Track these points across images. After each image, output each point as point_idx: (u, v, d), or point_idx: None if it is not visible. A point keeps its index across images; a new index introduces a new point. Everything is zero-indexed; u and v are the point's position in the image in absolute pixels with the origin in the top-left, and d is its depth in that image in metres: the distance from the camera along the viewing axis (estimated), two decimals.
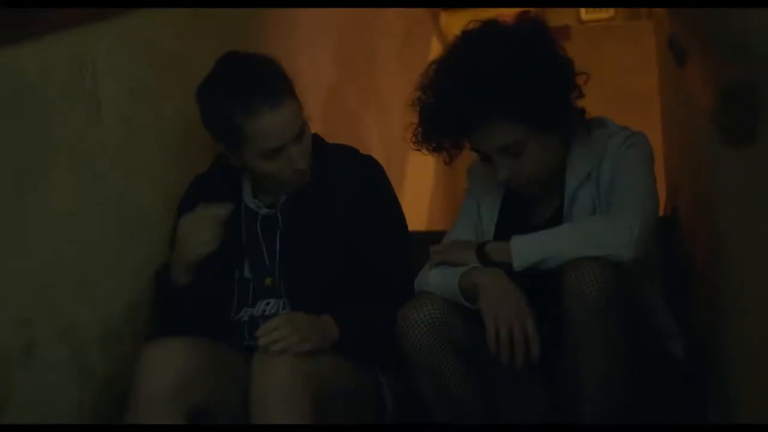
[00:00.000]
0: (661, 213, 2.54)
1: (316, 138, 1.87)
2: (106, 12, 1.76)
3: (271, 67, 1.77)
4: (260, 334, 1.59)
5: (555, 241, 1.53)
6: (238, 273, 1.85)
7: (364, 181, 1.85)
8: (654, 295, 1.69)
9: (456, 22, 5.70)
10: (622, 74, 5.08)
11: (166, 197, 1.95)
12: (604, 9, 7.81)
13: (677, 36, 1.62)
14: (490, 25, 1.65)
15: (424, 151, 1.70)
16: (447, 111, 1.60)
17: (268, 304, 1.82)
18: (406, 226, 1.92)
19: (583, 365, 1.48)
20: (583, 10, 7.75)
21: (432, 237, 1.89)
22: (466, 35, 1.65)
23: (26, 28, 1.55)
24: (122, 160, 1.84)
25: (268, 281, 1.83)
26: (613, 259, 1.49)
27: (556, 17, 7.60)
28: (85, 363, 1.70)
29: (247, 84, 1.73)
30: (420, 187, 4.07)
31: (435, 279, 1.64)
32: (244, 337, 1.81)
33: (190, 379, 1.61)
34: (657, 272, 1.71)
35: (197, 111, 1.84)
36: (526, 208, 1.74)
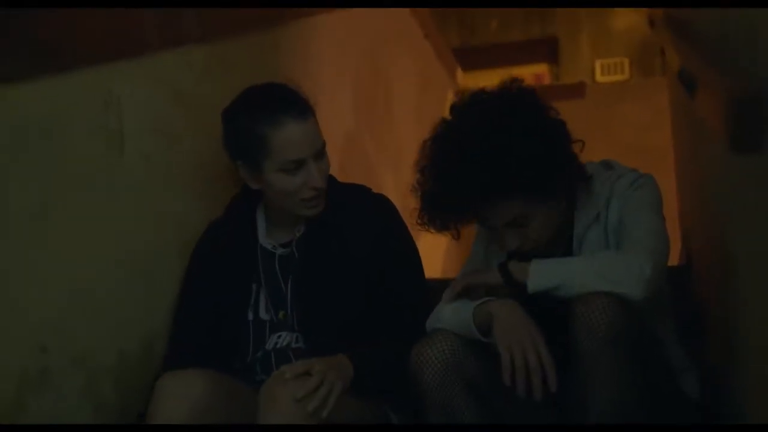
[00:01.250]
0: (675, 261, 2.55)
1: (330, 178, 1.89)
2: (133, 50, 1.82)
3: (293, 90, 1.84)
4: (299, 394, 1.54)
5: (570, 270, 1.55)
6: (251, 314, 1.86)
7: (377, 218, 1.87)
8: (666, 331, 1.69)
9: (473, 79, 5.79)
10: (635, 130, 5.13)
11: (182, 234, 1.98)
12: (619, 71, 7.92)
13: (687, 67, 1.65)
14: (477, 99, 1.64)
15: (431, 231, 1.70)
16: (445, 197, 1.61)
17: (279, 336, 1.84)
18: (420, 262, 1.93)
19: (593, 398, 1.48)
20: (598, 72, 7.86)
21: (445, 284, 1.89)
22: (456, 112, 1.65)
23: (56, 60, 1.60)
24: (142, 195, 1.88)
25: (280, 315, 1.85)
26: (624, 297, 1.49)
27: (572, 76, 7.71)
28: (99, 392, 1.72)
29: (273, 98, 1.81)
30: (435, 236, 4.09)
31: (447, 314, 1.65)
32: (257, 372, 1.82)
33: (203, 411, 1.62)
34: (669, 309, 1.71)
35: (216, 150, 1.88)
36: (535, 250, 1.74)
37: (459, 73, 4.91)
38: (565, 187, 1.63)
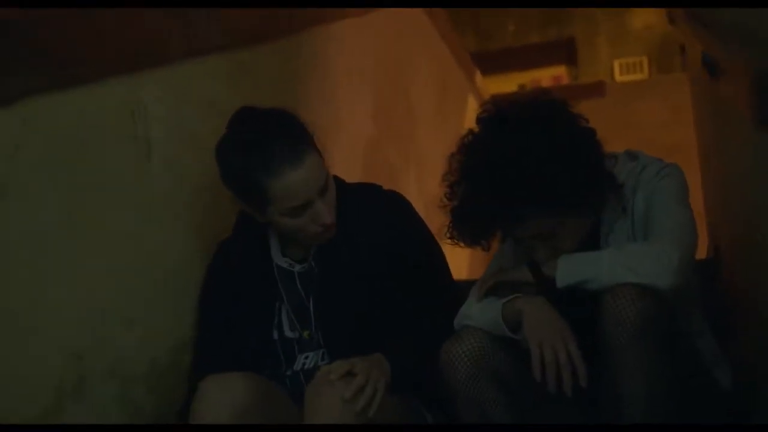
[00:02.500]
0: (702, 255, 2.54)
1: (338, 181, 1.83)
2: (159, 59, 1.84)
3: (288, 123, 1.74)
4: (347, 394, 1.54)
5: (599, 263, 1.54)
6: (277, 333, 1.84)
7: (392, 218, 1.83)
8: (696, 323, 1.68)
9: (492, 83, 5.79)
10: (657, 128, 5.11)
11: (208, 242, 1.97)
12: (638, 70, 7.89)
13: (709, 52, 1.65)
14: (506, 113, 1.61)
15: (461, 246, 1.68)
16: (474, 217, 1.61)
17: (306, 357, 1.82)
18: (442, 255, 1.90)
19: (623, 390, 1.47)
20: (617, 72, 7.84)
21: (473, 285, 1.87)
22: (484, 125, 1.62)
23: (84, 72, 1.63)
24: (169, 203, 1.89)
25: (305, 334, 1.82)
26: (653, 287, 1.49)
27: (591, 76, 7.70)
28: (133, 398, 1.74)
29: (266, 144, 1.69)
30: None
31: (476, 312, 1.65)
32: (287, 389, 1.80)
33: (245, 414, 1.62)
34: (698, 301, 1.70)
35: None
36: None
37: (478, 77, 4.91)
38: (597, 198, 1.62)
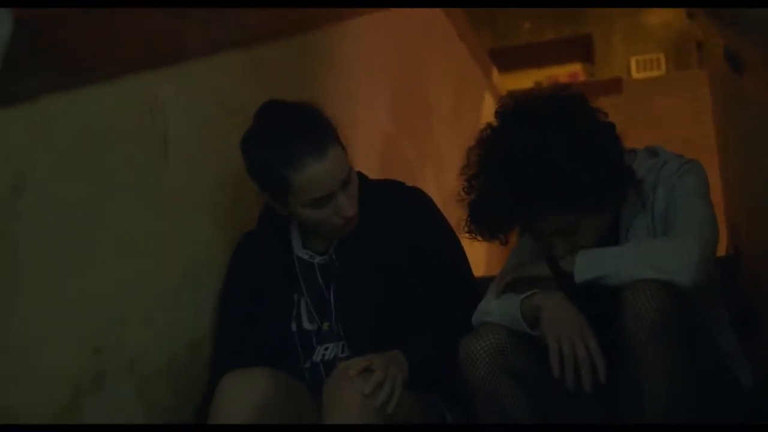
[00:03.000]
0: (722, 252, 2.52)
1: (361, 176, 1.85)
2: (176, 56, 1.84)
3: (312, 116, 1.76)
4: (366, 390, 1.55)
5: (618, 259, 1.54)
6: (295, 325, 1.85)
7: (414, 214, 1.84)
8: (717, 320, 1.67)
9: (508, 80, 5.78)
10: (675, 124, 5.08)
11: (227, 236, 1.99)
12: (655, 67, 7.85)
13: (731, 47, 1.63)
14: (526, 107, 1.60)
15: (479, 240, 1.67)
16: (492, 212, 1.60)
17: (327, 348, 1.83)
18: (463, 252, 1.91)
19: (643, 386, 1.46)
20: (633, 69, 7.80)
21: (490, 281, 1.87)
22: (503, 119, 1.61)
23: (102, 69, 1.63)
24: (186, 200, 1.90)
25: (325, 326, 1.84)
26: (673, 284, 1.48)
27: (607, 73, 7.66)
28: (151, 394, 1.74)
29: (290, 137, 1.72)
30: None
31: (494, 308, 1.65)
32: (306, 381, 1.81)
33: (266, 410, 1.63)
34: (719, 298, 1.69)
35: None
36: None
37: (495, 74, 4.90)
38: (617, 194, 1.61)
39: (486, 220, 1.62)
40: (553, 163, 1.50)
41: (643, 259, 1.51)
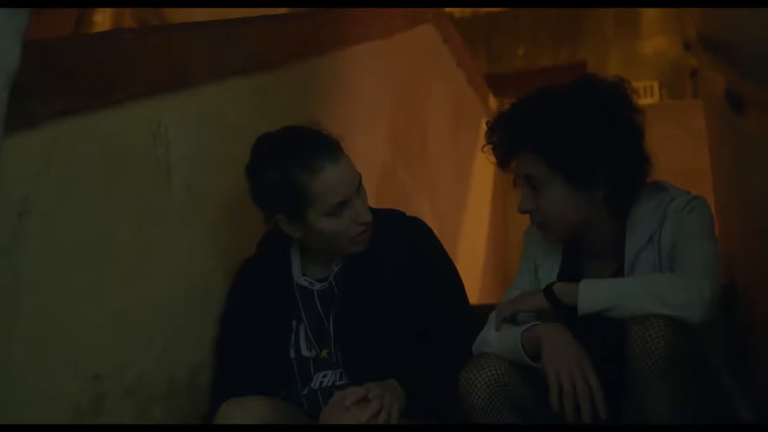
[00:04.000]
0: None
1: None
2: (180, 82, 1.86)
3: (317, 130, 1.81)
4: (362, 420, 1.56)
5: (625, 292, 1.54)
6: (293, 352, 1.85)
7: (414, 245, 1.85)
8: (718, 355, 1.67)
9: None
10: (669, 153, 5.10)
11: (226, 263, 1.99)
12: (649, 94, 7.91)
13: (732, 87, 1.66)
14: (563, 84, 1.75)
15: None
16: (497, 133, 1.73)
17: (325, 376, 1.83)
18: (461, 283, 1.92)
19: (651, 420, 1.46)
20: None
21: (484, 309, 1.87)
22: (545, 87, 1.76)
23: (107, 94, 1.65)
24: (188, 224, 1.91)
25: (323, 353, 1.83)
26: (683, 320, 1.49)
27: None
28: (150, 418, 1.74)
29: (300, 145, 1.76)
30: (472, 262, 4.10)
31: (494, 339, 1.65)
32: (304, 410, 1.81)
33: None
34: (718, 334, 1.70)
35: None
36: (585, 270, 1.75)
37: (491, 99, 4.93)
38: (591, 183, 1.64)
39: (490, 142, 1.74)
40: (533, 112, 1.66)
41: (652, 293, 1.52)
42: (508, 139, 1.71)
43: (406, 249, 1.84)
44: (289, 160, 1.75)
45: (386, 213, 1.91)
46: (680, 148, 5.07)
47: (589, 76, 1.75)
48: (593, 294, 1.56)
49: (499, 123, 1.73)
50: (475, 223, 4.62)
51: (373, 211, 1.88)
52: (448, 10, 4.52)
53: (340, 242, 1.81)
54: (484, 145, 1.76)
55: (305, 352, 1.84)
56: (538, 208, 1.69)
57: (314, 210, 1.76)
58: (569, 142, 1.62)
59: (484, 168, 4.41)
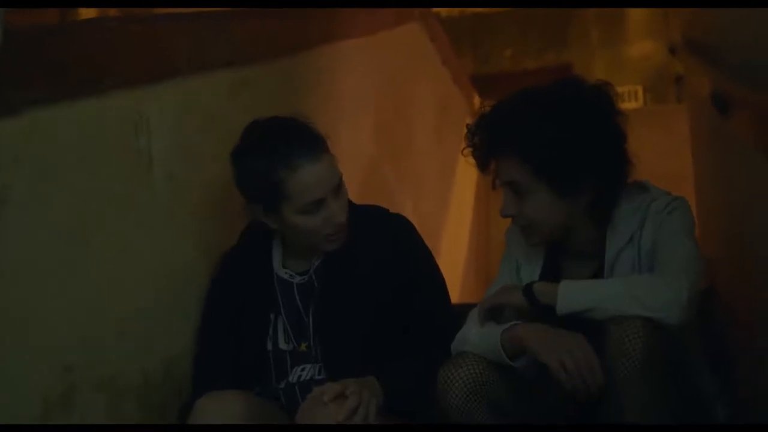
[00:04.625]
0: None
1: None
2: (163, 73, 1.84)
3: (305, 124, 1.80)
4: (339, 418, 1.56)
5: (604, 293, 1.54)
6: (271, 344, 1.84)
7: (396, 241, 1.85)
8: (696, 357, 1.68)
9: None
10: (652, 157, 5.11)
11: (207, 255, 1.98)
12: (633, 98, 7.94)
13: (718, 89, 1.66)
14: (545, 85, 1.72)
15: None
16: (478, 137, 1.70)
17: (303, 369, 1.82)
18: (443, 281, 1.92)
19: (627, 419, 1.46)
20: None
21: (465, 308, 1.87)
22: (527, 88, 1.73)
23: (88, 84, 1.63)
24: (168, 216, 1.89)
25: (302, 347, 1.83)
26: (662, 321, 1.49)
27: None
28: (123, 411, 1.72)
29: (284, 139, 1.75)
30: (454, 261, 4.10)
31: (474, 338, 1.65)
32: (282, 402, 1.81)
33: None
34: (697, 335, 1.70)
35: None
36: (566, 270, 1.75)
37: (476, 99, 4.94)
38: (574, 189, 1.63)
39: (471, 144, 1.71)
40: (517, 114, 1.63)
41: (631, 294, 1.51)
42: (489, 141, 1.67)
43: (389, 245, 1.84)
44: (271, 153, 1.75)
45: (369, 209, 1.91)
46: (664, 152, 5.09)
47: (573, 77, 1.73)
48: (572, 295, 1.56)
49: (481, 124, 1.69)
50: (457, 222, 4.62)
51: (356, 207, 1.89)
52: (435, 9, 4.52)
53: (313, 239, 1.80)
54: (464, 148, 1.72)
55: (282, 345, 1.84)
56: (521, 213, 1.67)
57: (289, 206, 1.76)
58: (555, 145, 1.59)
59: (467, 168, 4.40)
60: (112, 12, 3.85)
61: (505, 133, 1.64)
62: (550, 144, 1.59)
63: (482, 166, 1.71)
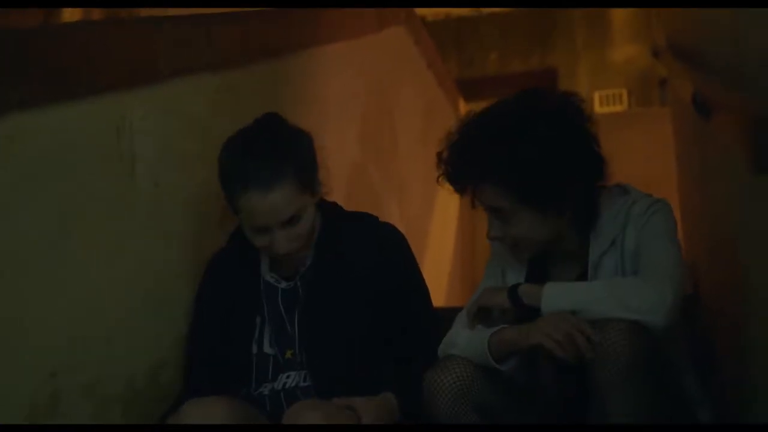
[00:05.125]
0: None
1: (336, 207, 1.89)
2: (146, 77, 1.83)
3: (284, 147, 1.77)
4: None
5: (588, 296, 1.55)
6: (256, 348, 1.84)
7: (383, 249, 1.85)
8: (681, 360, 1.68)
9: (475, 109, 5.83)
10: (636, 160, 5.15)
11: (192, 259, 1.97)
12: (617, 102, 7.99)
13: (701, 93, 1.66)
14: (509, 99, 1.68)
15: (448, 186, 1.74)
16: (451, 167, 1.68)
17: (288, 377, 1.82)
18: (428, 291, 1.92)
19: (613, 421, 1.47)
20: (596, 103, 7.93)
21: (450, 312, 1.88)
22: (492, 106, 1.69)
23: (71, 87, 1.61)
24: (152, 220, 1.88)
25: (288, 354, 1.82)
26: (645, 324, 1.49)
27: None
28: (108, 418, 1.71)
29: (250, 159, 1.74)
30: (439, 263, 4.10)
31: (462, 342, 1.65)
32: (266, 411, 1.79)
33: None
34: (682, 338, 1.70)
35: None
36: (551, 274, 1.75)
37: (461, 103, 4.94)
38: (558, 201, 1.62)
39: (445, 173, 1.69)
40: (487, 141, 1.59)
41: (616, 297, 1.52)
42: (463, 172, 1.65)
43: (375, 253, 1.84)
44: (234, 169, 1.77)
45: (359, 217, 1.92)
46: (647, 155, 5.12)
47: (534, 89, 1.70)
48: (557, 296, 1.56)
49: (452, 154, 1.66)
50: (443, 225, 4.62)
51: (346, 214, 1.90)
52: (420, 13, 4.52)
53: (264, 250, 1.82)
54: (439, 176, 1.69)
55: (267, 349, 1.84)
56: (508, 234, 1.66)
57: (242, 217, 1.80)
58: (530, 167, 1.57)
59: None
60: (96, 14, 3.83)
61: (478, 162, 1.61)
62: (526, 166, 1.57)
63: (459, 192, 1.70)
